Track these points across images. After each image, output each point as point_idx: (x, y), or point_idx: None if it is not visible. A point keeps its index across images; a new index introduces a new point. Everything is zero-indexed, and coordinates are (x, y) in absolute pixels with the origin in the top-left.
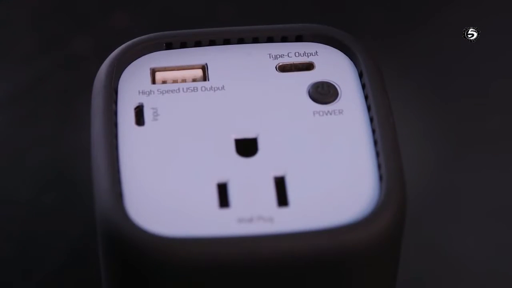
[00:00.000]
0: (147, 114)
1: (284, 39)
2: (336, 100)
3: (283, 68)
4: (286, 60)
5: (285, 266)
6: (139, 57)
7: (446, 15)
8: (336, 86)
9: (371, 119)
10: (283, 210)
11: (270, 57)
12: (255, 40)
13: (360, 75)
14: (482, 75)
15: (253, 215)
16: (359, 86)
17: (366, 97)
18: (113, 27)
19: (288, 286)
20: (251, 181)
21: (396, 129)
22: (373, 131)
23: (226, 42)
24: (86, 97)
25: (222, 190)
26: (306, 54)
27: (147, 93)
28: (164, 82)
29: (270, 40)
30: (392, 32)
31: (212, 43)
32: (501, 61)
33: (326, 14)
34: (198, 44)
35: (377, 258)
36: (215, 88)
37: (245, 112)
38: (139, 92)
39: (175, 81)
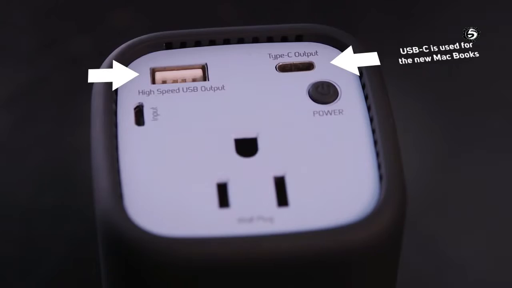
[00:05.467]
0: (147, 114)
1: (284, 39)
2: (336, 100)
3: (283, 68)
4: (286, 60)
5: (285, 266)
6: (139, 57)
7: (446, 15)
8: (336, 86)
9: (371, 119)
10: (283, 210)
11: (270, 57)
12: (255, 40)
13: (360, 75)
14: (482, 75)
15: (253, 215)
16: (359, 86)
17: (366, 97)
18: (113, 27)
19: (288, 286)
20: (251, 181)
21: (396, 129)
22: (373, 131)
23: (226, 42)
24: (86, 97)
25: (222, 190)
26: (306, 54)
27: (147, 93)
28: (164, 82)
29: (270, 40)
30: (392, 32)
31: (212, 43)
32: (501, 61)
33: (326, 14)
34: (198, 44)
35: (377, 258)
36: (215, 88)
37: (245, 112)
38: (139, 92)
39: (175, 81)
